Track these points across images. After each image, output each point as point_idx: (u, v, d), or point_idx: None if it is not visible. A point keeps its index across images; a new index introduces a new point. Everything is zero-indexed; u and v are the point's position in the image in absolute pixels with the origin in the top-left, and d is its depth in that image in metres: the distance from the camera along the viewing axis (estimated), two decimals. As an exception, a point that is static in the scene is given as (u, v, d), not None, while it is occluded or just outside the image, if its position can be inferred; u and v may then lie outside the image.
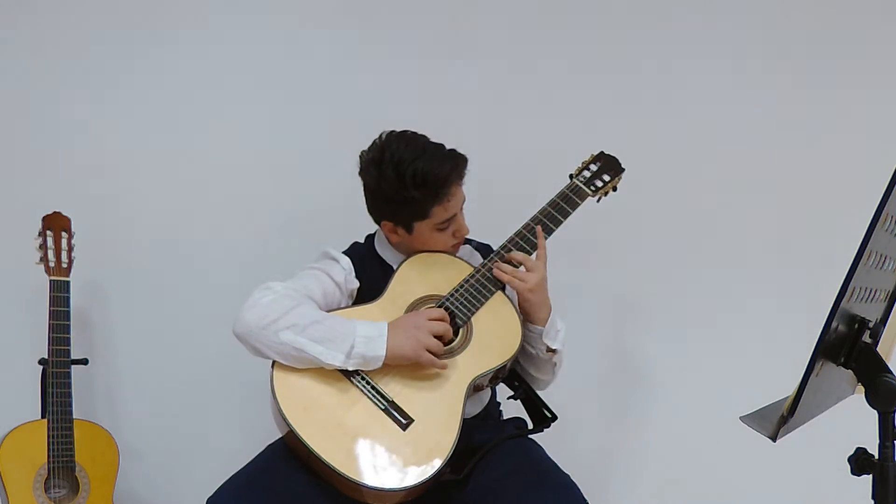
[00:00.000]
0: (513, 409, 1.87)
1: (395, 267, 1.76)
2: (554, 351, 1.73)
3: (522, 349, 1.73)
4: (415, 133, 1.70)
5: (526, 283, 1.68)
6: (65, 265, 2.07)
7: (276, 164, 2.32)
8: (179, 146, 2.30)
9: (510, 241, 1.76)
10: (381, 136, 1.70)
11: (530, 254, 1.74)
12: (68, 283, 2.06)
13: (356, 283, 1.75)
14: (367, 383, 1.60)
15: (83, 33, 2.26)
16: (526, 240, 1.76)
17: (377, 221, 1.78)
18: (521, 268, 1.72)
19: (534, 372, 1.80)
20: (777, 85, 2.45)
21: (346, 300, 1.75)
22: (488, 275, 1.72)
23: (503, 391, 1.85)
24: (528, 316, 1.72)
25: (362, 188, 1.75)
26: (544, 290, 1.71)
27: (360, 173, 1.73)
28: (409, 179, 1.62)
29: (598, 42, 2.41)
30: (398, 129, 1.71)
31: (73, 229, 2.10)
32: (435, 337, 1.60)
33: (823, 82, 2.46)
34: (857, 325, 1.09)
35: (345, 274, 1.74)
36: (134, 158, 2.28)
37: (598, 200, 1.88)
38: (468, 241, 1.89)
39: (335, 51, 2.35)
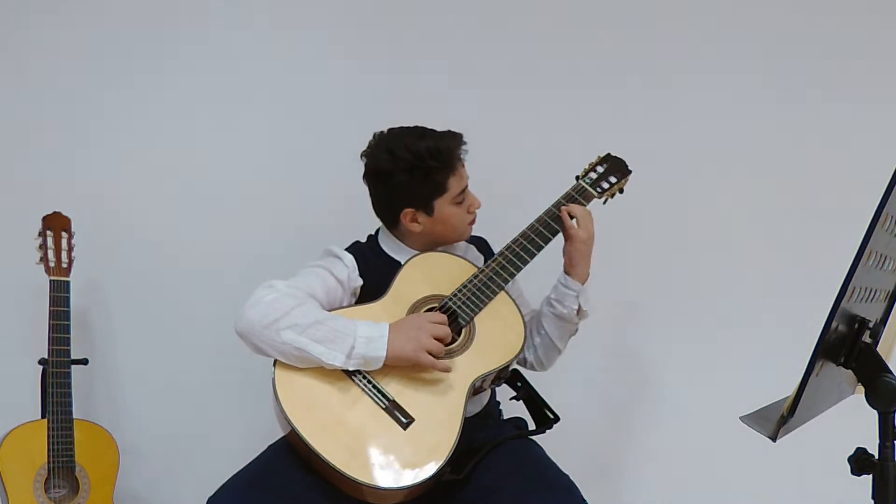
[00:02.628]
0: (515, 409, 1.87)
1: (401, 263, 1.76)
2: (579, 315, 1.78)
3: (552, 308, 1.78)
4: (404, 126, 1.78)
5: (583, 229, 1.74)
6: (65, 265, 2.07)
7: (277, 164, 2.32)
8: (179, 146, 2.30)
9: (514, 241, 1.76)
10: (375, 135, 1.78)
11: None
12: (68, 283, 2.06)
13: (360, 281, 1.75)
14: (369, 382, 1.60)
15: (84, 34, 2.26)
16: (530, 240, 1.75)
17: (395, 216, 1.77)
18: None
19: (554, 337, 1.81)
20: (777, 85, 2.45)
21: (349, 298, 1.75)
22: (491, 275, 1.73)
23: (505, 391, 1.86)
24: (571, 268, 1.76)
25: (371, 191, 1.79)
26: (591, 247, 1.76)
27: (369, 169, 1.77)
28: (424, 152, 1.69)
29: (599, 42, 2.41)
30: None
31: (73, 229, 2.10)
32: (436, 339, 1.60)
33: (823, 82, 2.46)
34: (857, 325, 1.09)
35: (348, 271, 1.74)
36: (134, 158, 2.28)
37: (604, 202, 1.88)
38: None
39: (335, 52, 2.35)
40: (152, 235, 2.28)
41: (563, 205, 1.79)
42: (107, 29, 2.27)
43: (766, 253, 2.43)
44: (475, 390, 1.68)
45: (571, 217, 1.76)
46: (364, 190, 1.82)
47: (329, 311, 1.65)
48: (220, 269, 2.28)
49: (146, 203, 2.28)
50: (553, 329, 1.81)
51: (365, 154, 1.78)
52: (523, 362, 1.89)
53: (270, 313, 1.57)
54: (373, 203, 1.82)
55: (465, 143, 1.76)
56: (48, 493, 1.97)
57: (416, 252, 1.79)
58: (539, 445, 1.75)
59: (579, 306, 1.77)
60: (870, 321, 1.11)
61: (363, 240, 1.87)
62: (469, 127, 1.79)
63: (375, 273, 1.76)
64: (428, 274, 1.74)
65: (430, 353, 1.59)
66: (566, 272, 1.77)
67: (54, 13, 2.25)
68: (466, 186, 1.78)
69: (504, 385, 1.82)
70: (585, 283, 1.77)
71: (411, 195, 1.74)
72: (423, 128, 1.76)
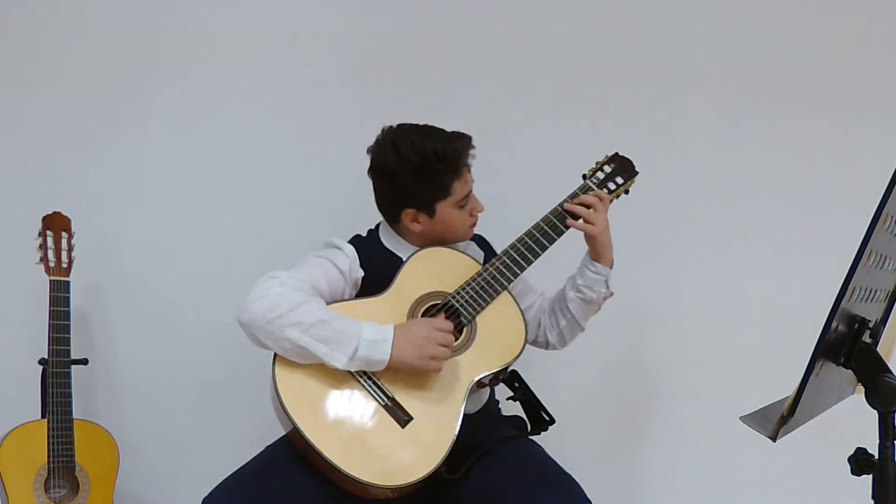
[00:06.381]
0: (512, 410, 1.86)
1: (403, 258, 1.75)
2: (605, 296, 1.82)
3: (580, 294, 1.80)
4: (414, 123, 1.77)
5: (597, 225, 1.74)
6: (65, 265, 2.07)
7: (277, 163, 2.32)
8: (179, 146, 2.29)
9: (520, 241, 1.76)
10: (383, 129, 1.77)
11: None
12: (68, 283, 2.06)
13: (361, 273, 1.74)
14: (370, 379, 1.60)
15: (83, 34, 2.26)
16: (535, 240, 1.75)
17: (396, 214, 1.77)
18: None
19: (580, 318, 1.84)
20: (777, 84, 2.45)
21: (351, 289, 1.74)
22: (495, 274, 1.72)
23: (502, 390, 1.85)
24: (598, 257, 1.78)
25: (375, 186, 1.79)
26: (609, 235, 1.78)
27: (374, 165, 1.77)
28: (430, 153, 1.68)
29: (600, 42, 2.41)
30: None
31: (73, 229, 2.10)
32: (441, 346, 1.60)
33: (823, 81, 2.46)
34: (857, 325, 1.09)
35: (349, 262, 1.73)
36: (134, 158, 2.28)
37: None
38: None
39: (335, 49, 2.35)
40: (152, 235, 2.28)
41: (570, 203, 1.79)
42: (108, 29, 2.26)
43: (766, 252, 2.43)
44: (475, 386, 1.68)
45: (577, 218, 1.76)
46: (364, 189, 1.82)
47: (331, 302, 1.65)
48: (220, 269, 2.28)
49: (146, 203, 2.28)
50: (580, 312, 1.83)
51: (371, 149, 1.77)
52: (544, 344, 1.91)
53: (276, 308, 1.56)
54: (376, 198, 1.82)
55: (473, 147, 1.76)
56: (48, 493, 1.97)
57: (419, 247, 1.78)
58: (539, 445, 1.75)
59: (607, 289, 1.80)
60: (870, 321, 1.11)
61: (363, 234, 1.87)
62: (471, 126, 1.79)
63: (376, 265, 1.75)
64: (432, 269, 1.73)
65: (436, 359, 1.59)
66: (593, 259, 1.79)
67: (55, 12, 2.25)
68: (471, 191, 1.77)
69: (501, 384, 1.81)
70: (612, 267, 1.80)
71: (414, 196, 1.73)
72: (432, 127, 1.75)
